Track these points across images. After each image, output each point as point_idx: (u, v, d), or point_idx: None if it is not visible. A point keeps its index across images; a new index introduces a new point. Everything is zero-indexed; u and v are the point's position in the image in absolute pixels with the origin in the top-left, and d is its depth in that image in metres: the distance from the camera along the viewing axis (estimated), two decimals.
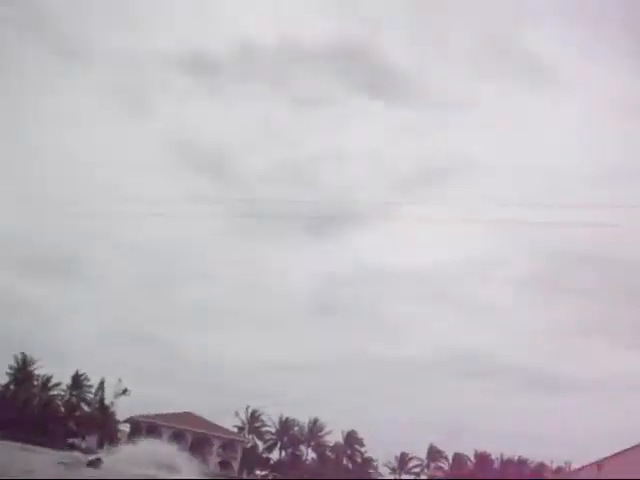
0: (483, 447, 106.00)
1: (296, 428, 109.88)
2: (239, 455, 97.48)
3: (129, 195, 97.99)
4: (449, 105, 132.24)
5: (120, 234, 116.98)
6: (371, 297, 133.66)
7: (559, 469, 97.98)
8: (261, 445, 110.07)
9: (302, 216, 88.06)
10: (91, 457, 30.22)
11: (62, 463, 26.05)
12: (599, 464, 7.17)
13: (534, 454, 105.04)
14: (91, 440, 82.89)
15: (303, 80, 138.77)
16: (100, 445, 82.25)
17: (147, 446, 33.27)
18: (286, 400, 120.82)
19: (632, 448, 6.90)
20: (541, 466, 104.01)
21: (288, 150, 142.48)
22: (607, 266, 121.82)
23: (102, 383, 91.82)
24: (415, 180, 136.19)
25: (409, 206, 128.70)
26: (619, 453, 7.11)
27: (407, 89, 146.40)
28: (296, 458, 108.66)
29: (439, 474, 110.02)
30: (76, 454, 31.62)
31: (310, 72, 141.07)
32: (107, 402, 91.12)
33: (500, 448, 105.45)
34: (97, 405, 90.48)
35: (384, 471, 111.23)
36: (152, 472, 27.83)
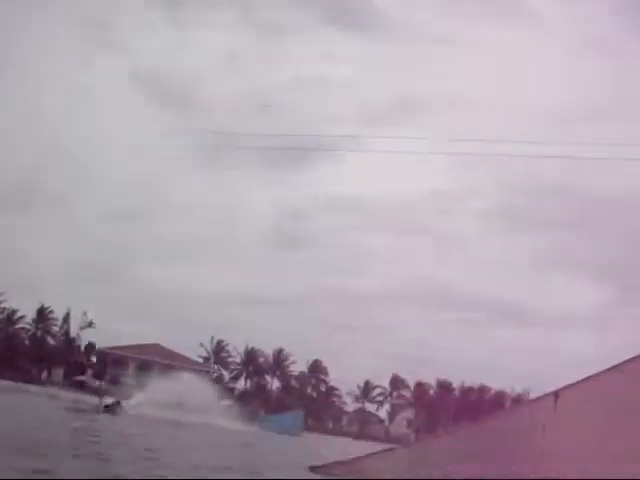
0: (446, 376, 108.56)
1: (261, 359, 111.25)
2: None
3: (95, 127, 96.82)
4: (423, 40, 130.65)
5: (87, 167, 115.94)
6: (339, 229, 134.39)
7: (518, 397, 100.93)
8: (226, 375, 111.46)
9: (270, 147, 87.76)
10: (107, 401, 23.48)
11: (71, 409, 20.21)
12: (556, 394, 7.34)
13: (496, 383, 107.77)
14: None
15: (273, 9, 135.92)
16: (66, 376, 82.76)
17: (172, 385, 26.21)
18: (251, 331, 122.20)
19: (587, 379, 7.14)
20: (501, 394, 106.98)
21: (257, 81, 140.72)
22: (574, 199, 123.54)
23: (67, 316, 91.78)
24: (385, 113, 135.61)
25: (378, 139, 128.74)
26: (576, 384, 7.34)
27: (381, 23, 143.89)
28: (261, 387, 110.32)
29: (401, 401, 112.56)
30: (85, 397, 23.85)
31: (280, 1, 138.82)
32: (72, 335, 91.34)
33: (463, 377, 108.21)
34: (62, 338, 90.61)
35: (348, 400, 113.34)
36: (181, 416, 22.42)
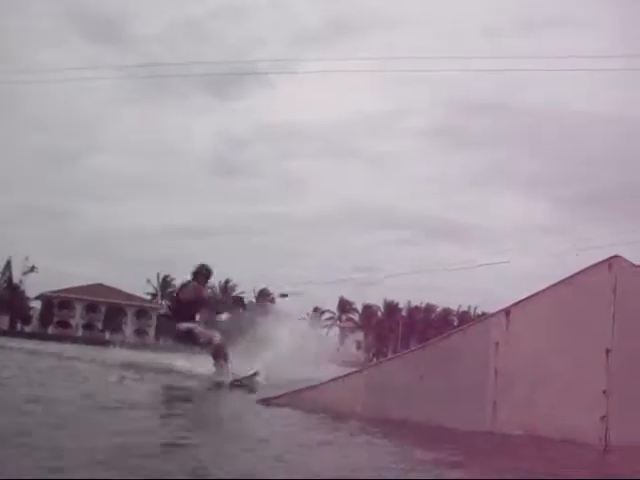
0: (392, 297, 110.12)
1: (208, 290, 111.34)
2: (154, 322, 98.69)
3: (24, 64, 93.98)
4: None
5: (18, 104, 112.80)
6: (275, 156, 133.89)
7: (464, 313, 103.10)
8: None
9: (202, 75, 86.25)
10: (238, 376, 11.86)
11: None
12: (507, 311, 7.30)
13: (441, 301, 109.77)
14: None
15: None
16: (12, 325, 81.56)
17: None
18: (197, 264, 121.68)
19: (537, 294, 7.15)
20: (447, 311, 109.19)
21: (185, 8, 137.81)
22: (511, 115, 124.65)
23: (9, 262, 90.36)
24: (317, 35, 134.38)
25: (311, 62, 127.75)
26: (526, 299, 7.32)
27: None
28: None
29: (350, 324, 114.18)
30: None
31: None
32: (15, 281, 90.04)
33: (409, 297, 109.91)
34: (5, 285, 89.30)
35: None
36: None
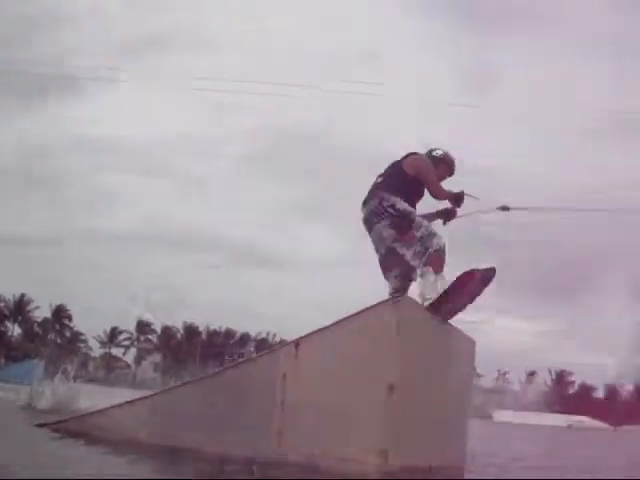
0: (192, 319, 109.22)
1: (1, 304, 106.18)
2: None
3: None
4: None
5: None
6: (83, 169, 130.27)
7: (263, 341, 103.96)
8: None
9: (13, 81, 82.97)
10: None
11: None
12: (297, 343, 7.37)
13: (241, 326, 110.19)
14: None
15: None
16: None
17: None
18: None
19: (327, 328, 7.33)
20: (246, 336, 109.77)
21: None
22: (328, 147, 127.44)
23: None
24: (134, 48, 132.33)
25: (127, 74, 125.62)
26: (316, 332, 7.43)
27: None
28: (1, 335, 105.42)
29: (148, 346, 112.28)
30: None
31: None
32: None
33: (210, 320, 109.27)
34: None
35: (94, 344, 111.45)
36: None
